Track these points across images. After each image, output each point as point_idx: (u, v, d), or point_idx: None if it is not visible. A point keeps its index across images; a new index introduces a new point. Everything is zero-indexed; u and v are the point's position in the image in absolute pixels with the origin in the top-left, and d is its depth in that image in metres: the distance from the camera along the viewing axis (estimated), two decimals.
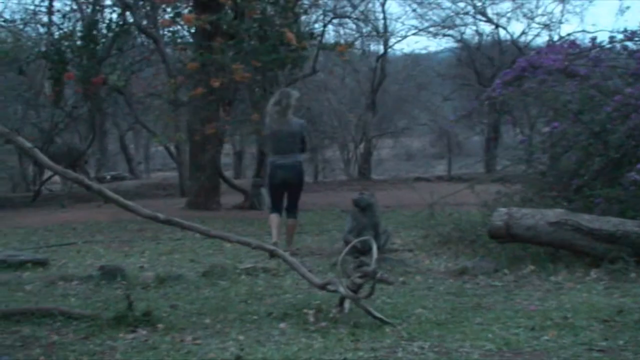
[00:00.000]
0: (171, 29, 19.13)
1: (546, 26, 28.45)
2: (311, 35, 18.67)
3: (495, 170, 22.67)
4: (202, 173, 18.31)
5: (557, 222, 8.60)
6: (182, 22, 18.21)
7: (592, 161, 10.27)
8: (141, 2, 19.27)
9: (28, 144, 7.17)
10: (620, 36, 11.21)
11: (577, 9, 37.45)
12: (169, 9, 18.72)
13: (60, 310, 6.58)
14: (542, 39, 27.39)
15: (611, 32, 11.39)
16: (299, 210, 11.09)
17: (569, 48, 11.30)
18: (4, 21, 22.43)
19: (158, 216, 7.04)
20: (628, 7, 28.07)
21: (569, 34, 11.86)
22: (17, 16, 23.27)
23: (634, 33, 11.10)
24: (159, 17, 19.26)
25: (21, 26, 22.80)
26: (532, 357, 5.25)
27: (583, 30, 29.13)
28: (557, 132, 10.83)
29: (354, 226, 9.89)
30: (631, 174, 9.05)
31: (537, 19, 28.86)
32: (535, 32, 28.87)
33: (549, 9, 33.47)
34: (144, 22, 19.63)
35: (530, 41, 28.62)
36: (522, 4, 28.57)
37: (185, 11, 18.33)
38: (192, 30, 18.55)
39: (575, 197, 9.95)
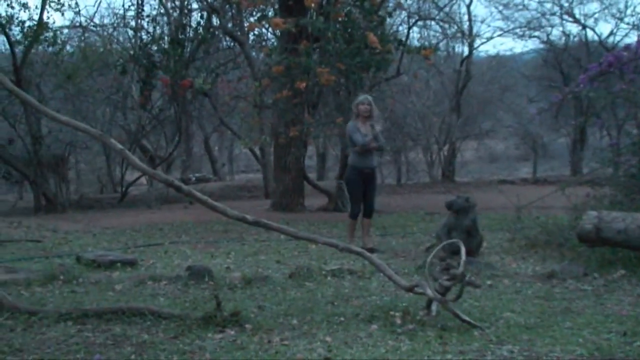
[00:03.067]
0: (256, 31, 19.31)
1: (635, 26, 27.99)
2: (400, 42, 18.64)
3: (582, 173, 22.36)
4: (287, 175, 18.42)
5: None
6: (268, 26, 18.35)
7: None
8: (227, 6, 19.48)
9: (119, 146, 7.29)
10: None
11: None
12: (254, 12, 18.90)
13: (150, 309, 6.66)
14: (631, 40, 26.96)
15: None
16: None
17: None
18: (94, 26, 22.91)
19: (246, 217, 7.09)
20: None
21: None
22: (106, 20, 23.77)
23: None
24: (244, 21, 19.45)
25: (111, 30, 23.26)
26: None
27: None
28: None
29: (446, 229, 9.87)
30: None
31: (625, 19, 28.43)
32: (623, 32, 28.37)
33: (638, 9, 32.95)
34: (230, 25, 19.84)
35: (619, 42, 28.18)
36: (611, 4, 28.20)
37: (270, 14, 18.47)
38: (278, 33, 18.67)
39: None
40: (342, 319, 6.50)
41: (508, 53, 32.98)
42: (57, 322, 6.41)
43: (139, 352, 5.61)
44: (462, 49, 30.51)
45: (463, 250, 6.51)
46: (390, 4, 20.18)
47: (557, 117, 30.56)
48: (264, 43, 20.00)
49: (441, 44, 28.45)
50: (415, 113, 28.19)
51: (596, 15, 28.57)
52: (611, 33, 28.88)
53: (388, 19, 20.04)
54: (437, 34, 28.25)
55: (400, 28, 23.73)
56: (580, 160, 28.78)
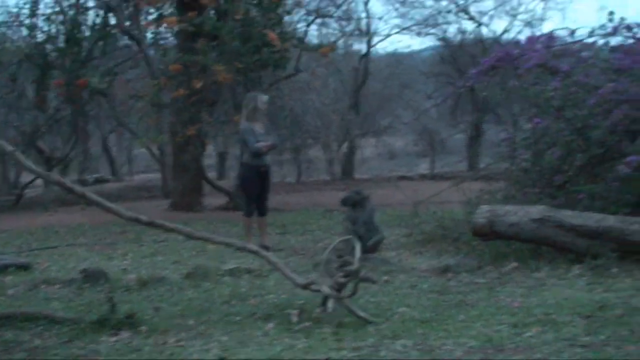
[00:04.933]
0: (154, 30, 19.11)
1: (528, 23, 28.60)
2: (298, 40, 18.68)
3: (479, 168, 22.76)
4: (185, 174, 18.29)
5: (539, 219, 8.62)
6: (165, 24, 18.19)
7: (574, 157, 10.27)
8: (124, 4, 19.23)
9: (10, 147, 7.15)
10: (600, 31, 11.25)
11: (559, 6, 37.56)
12: (152, 11, 18.70)
13: (43, 314, 6.55)
14: (525, 36, 27.48)
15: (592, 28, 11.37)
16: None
17: (548, 42, 11.31)
18: None
19: (141, 218, 7.01)
20: None
21: (551, 31, 11.81)
22: None
23: (615, 29, 11.13)
24: (142, 19, 19.23)
25: (4, 29, 22.70)
26: (515, 354, 5.24)
27: (565, 28, 29.17)
28: (539, 128, 10.85)
29: (350, 223, 9.89)
30: (619, 167, 9.07)
31: (519, 17, 29.01)
32: (517, 29, 28.92)
33: (531, 7, 33.65)
34: (127, 24, 19.59)
35: (513, 38, 28.68)
36: (505, 2, 28.72)
37: (168, 12, 18.31)
38: (175, 32, 18.52)
39: (558, 193, 9.97)
40: (238, 318, 6.49)
41: (406, 50, 33.26)
42: None
43: (31, 357, 5.51)
44: (361, 46, 30.71)
45: (358, 246, 6.56)
46: (289, 2, 20.20)
47: (454, 113, 31.05)
48: (161, 42, 19.79)
49: (340, 42, 28.59)
50: (314, 111, 28.25)
51: (491, 13, 29.04)
52: (506, 30, 29.42)
53: (287, 17, 20.06)
54: (336, 32, 28.39)
55: (299, 26, 23.79)
56: (477, 155, 29.28)
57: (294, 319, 6.27)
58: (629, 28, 11.03)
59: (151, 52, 19.68)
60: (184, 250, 11.08)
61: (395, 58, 32.99)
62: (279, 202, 17.52)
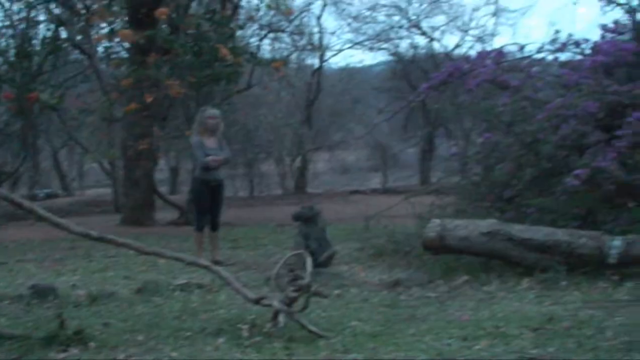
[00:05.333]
0: (105, 44, 19.04)
1: (480, 39, 28.88)
2: (252, 54, 18.70)
3: (431, 183, 22.88)
4: (136, 189, 18.18)
5: (489, 233, 8.69)
6: (117, 38, 18.10)
7: (524, 172, 10.38)
8: (75, 18, 19.12)
9: None
10: (549, 47, 11.39)
11: (510, 22, 38.02)
12: (103, 25, 18.61)
13: None
14: (476, 51, 27.74)
15: (542, 44, 11.53)
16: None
17: (497, 57, 11.43)
18: None
19: (90, 233, 6.95)
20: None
21: (502, 47, 11.94)
22: None
23: (563, 44, 11.29)
24: (93, 33, 19.13)
25: None
26: None
27: (515, 43, 29.47)
28: (489, 143, 10.96)
29: (301, 239, 9.84)
30: (567, 180, 9.17)
31: (470, 32, 29.30)
32: (469, 44, 29.19)
33: (482, 22, 33.94)
34: (78, 38, 19.48)
35: (465, 54, 28.94)
36: (456, 17, 28.99)
37: (119, 27, 18.22)
38: (127, 46, 18.45)
39: (508, 207, 10.08)
40: (189, 333, 6.44)
41: (359, 65, 33.44)
42: None
43: None
44: (313, 61, 30.82)
45: (309, 261, 6.57)
46: (242, 17, 20.22)
47: (406, 128, 31.24)
48: (113, 55, 19.69)
49: (292, 56, 28.64)
50: (267, 125, 28.30)
51: (443, 28, 29.34)
52: (457, 45, 29.69)
53: (239, 32, 20.08)
54: (289, 47, 28.44)
55: (252, 40, 23.81)
56: (429, 169, 29.48)
57: (245, 333, 6.25)
58: (577, 44, 11.20)
59: (102, 66, 19.58)
60: (134, 265, 10.99)
61: (348, 73, 33.15)
62: (231, 216, 17.47)
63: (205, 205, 11.15)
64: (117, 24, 18.45)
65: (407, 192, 14.53)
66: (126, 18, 18.15)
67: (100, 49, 19.30)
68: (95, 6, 17.80)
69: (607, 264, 8.24)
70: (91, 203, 26.62)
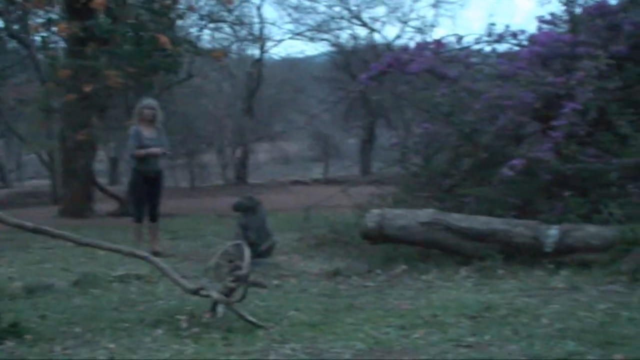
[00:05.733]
0: (43, 34, 18.78)
1: (419, 30, 28.98)
2: (191, 44, 18.57)
3: (371, 173, 22.96)
4: (75, 180, 17.97)
5: (428, 222, 8.77)
6: (54, 28, 17.87)
7: (462, 161, 10.49)
8: (12, 7, 18.84)
9: None
10: (487, 38, 11.51)
11: (449, 13, 38.29)
12: (40, 14, 18.36)
13: None
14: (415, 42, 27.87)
15: (479, 35, 11.65)
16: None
17: (436, 48, 11.51)
18: None
19: (25, 224, 6.88)
20: None
21: (441, 38, 12.03)
22: None
23: (501, 36, 11.41)
24: (30, 22, 18.87)
25: None
26: (402, 355, 5.33)
27: (454, 34, 29.68)
28: (429, 133, 11.04)
29: (241, 229, 9.80)
30: (503, 170, 9.27)
31: (410, 23, 29.40)
32: (409, 35, 29.29)
33: (422, 13, 34.14)
34: (15, 27, 19.21)
35: (404, 44, 29.00)
36: (396, 9, 29.07)
37: (55, 16, 17.99)
38: (65, 36, 18.22)
39: (447, 197, 10.17)
40: (127, 324, 6.41)
41: (300, 55, 33.36)
42: None
43: None
44: (254, 51, 30.71)
45: (247, 251, 6.56)
46: (182, 7, 20.06)
47: (347, 118, 31.26)
48: (51, 45, 19.43)
49: (233, 47, 28.51)
50: (207, 115, 28.15)
51: (383, 19, 29.46)
52: (397, 36, 29.76)
53: (179, 22, 19.93)
54: (229, 37, 28.29)
55: (192, 30, 23.63)
56: (369, 160, 29.57)
57: (184, 324, 6.23)
58: (514, 35, 11.32)
59: (40, 56, 19.33)
60: (72, 257, 10.87)
61: (289, 63, 33.09)
62: (171, 207, 17.34)
63: (143, 196, 11.09)
64: (54, 14, 18.20)
65: (347, 182, 14.60)
66: (63, 8, 17.90)
67: (37, 38, 19.03)
68: None
69: (543, 253, 8.38)
70: (29, 195, 26.26)
